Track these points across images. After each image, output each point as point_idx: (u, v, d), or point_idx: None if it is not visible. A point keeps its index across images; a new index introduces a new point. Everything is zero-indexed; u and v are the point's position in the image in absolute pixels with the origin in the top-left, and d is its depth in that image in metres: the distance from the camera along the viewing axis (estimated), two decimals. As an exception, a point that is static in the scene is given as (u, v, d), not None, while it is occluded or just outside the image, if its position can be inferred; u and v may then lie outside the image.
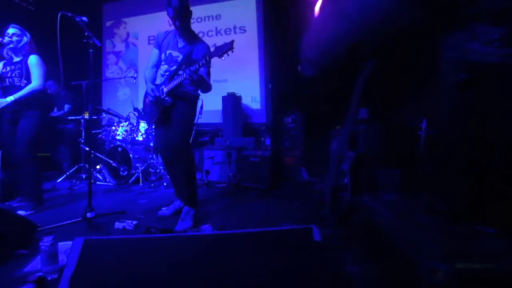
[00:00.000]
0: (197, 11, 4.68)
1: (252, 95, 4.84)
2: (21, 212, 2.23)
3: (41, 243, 1.29)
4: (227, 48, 1.86)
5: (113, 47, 5.80)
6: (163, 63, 2.19)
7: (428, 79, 1.45)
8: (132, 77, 4.01)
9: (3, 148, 2.58)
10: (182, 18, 2.02)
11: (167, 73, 2.14)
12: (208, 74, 2.16)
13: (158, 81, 2.21)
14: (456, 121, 1.10)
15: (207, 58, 1.94)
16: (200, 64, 1.94)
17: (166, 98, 2.07)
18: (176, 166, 2.21)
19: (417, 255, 0.83)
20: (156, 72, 2.26)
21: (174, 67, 2.11)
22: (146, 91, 2.26)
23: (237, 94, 4.41)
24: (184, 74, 1.97)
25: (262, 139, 4.45)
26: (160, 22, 5.34)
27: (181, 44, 2.16)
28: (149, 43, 5.50)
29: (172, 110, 2.12)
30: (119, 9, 5.76)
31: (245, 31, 4.93)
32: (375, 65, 1.57)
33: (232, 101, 4.32)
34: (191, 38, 2.18)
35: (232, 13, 4.98)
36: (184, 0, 1.99)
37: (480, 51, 0.98)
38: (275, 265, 1.11)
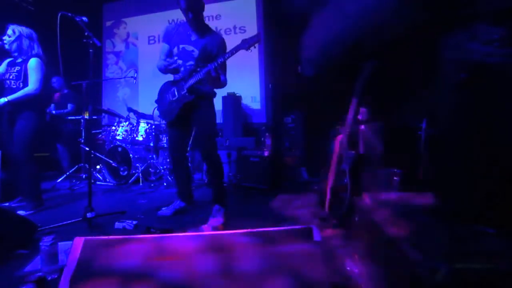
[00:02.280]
0: (197, 11, 4.67)
1: (252, 95, 4.84)
2: (21, 212, 2.23)
3: (41, 243, 1.29)
4: (254, 40, 1.84)
5: (113, 47, 5.79)
6: (176, 58, 2.13)
7: (428, 79, 1.45)
8: (132, 77, 4.01)
9: (3, 148, 2.58)
10: (194, 9, 1.99)
11: (182, 68, 2.10)
12: (224, 68, 2.07)
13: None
14: (456, 121, 1.10)
15: (234, 52, 1.89)
16: (226, 57, 1.90)
17: (187, 94, 2.05)
18: (209, 171, 2.28)
19: (417, 255, 0.83)
20: None
21: (191, 62, 2.08)
22: (162, 87, 2.23)
23: (237, 94, 4.40)
24: (204, 71, 1.94)
25: (262, 139, 4.44)
26: (160, 22, 5.34)
27: (193, 37, 2.11)
28: (149, 43, 5.50)
29: (192, 110, 2.11)
30: (119, 9, 5.76)
31: (245, 31, 4.93)
32: (375, 65, 1.57)
33: (232, 101, 4.31)
34: (204, 30, 2.13)
35: (232, 13, 4.98)
36: None
37: (480, 51, 0.98)
38: (275, 265, 1.11)
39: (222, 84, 2.11)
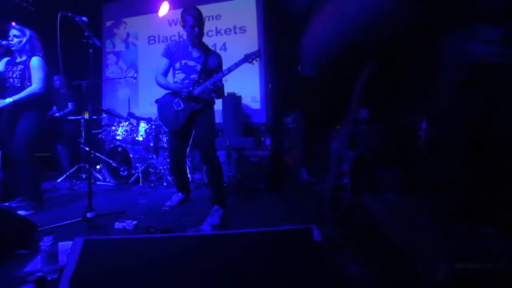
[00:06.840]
0: (197, 11, 4.66)
1: (252, 95, 4.84)
2: (21, 212, 2.22)
3: (41, 243, 1.29)
4: (255, 55, 2.16)
5: (113, 47, 5.79)
6: (178, 71, 2.30)
7: (428, 79, 1.45)
8: (132, 77, 4.01)
9: (4, 148, 2.58)
10: (200, 25, 2.18)
11: (186, 81, 2.26)
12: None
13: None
14: (456, 121, 1.10)
15: (235, 67, 2.14)
16: (229, 71, 2.14)
17: (194, 104, 2.23)
18: (208, 172, 2.40)
19: (417, 255, 0.83)
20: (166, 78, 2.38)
21: (194, 75, 2.26)
22: (163, 99, 2.36)
23: (237, 94, 4.40)
24: (211, 81, 2.15)
25: (262, 139, 4.44)
26: (160, 22, 5.34)
27: (195, 54, 2.28)
28: (149, 43, 5.50)
29: (196, 116, 2.26)
30: (119, 9, 5.75)
31: (245, 31, 4.93)
32: (375, 65, 1.57)
33: (232, 101, 4.31)
34: (204, 48, 2.32)
35: (232, 13, 4.98)
36: (199, 10, 2.17)
37: (480, 51, 0.98)
38: (275, 265, 1.11)
39: (224, 94, 2.43)
